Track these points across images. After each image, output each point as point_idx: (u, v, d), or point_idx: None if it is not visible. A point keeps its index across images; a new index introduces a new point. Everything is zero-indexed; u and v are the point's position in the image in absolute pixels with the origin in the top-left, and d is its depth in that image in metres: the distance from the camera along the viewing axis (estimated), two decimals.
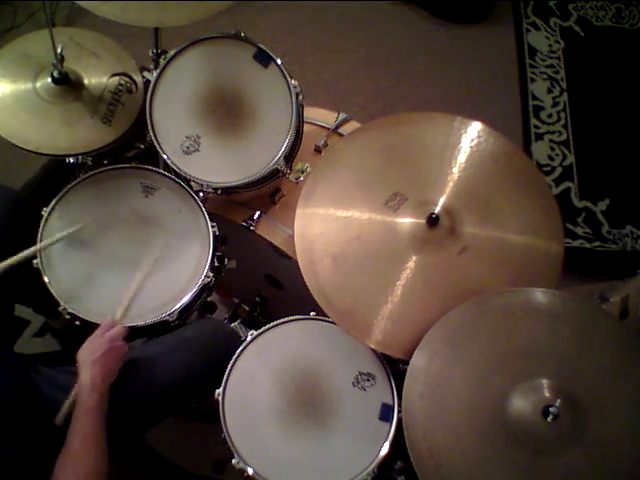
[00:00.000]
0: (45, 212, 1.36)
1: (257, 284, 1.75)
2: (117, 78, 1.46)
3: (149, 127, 1.38)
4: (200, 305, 1.42)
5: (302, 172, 1.47)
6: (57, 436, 1.08)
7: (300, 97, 1.39)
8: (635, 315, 1.43)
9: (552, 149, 2.43)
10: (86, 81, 1.45)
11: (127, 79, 1.46)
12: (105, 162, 1.46)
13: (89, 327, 1.29)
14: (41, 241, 1.34)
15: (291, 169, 1.45)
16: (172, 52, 1.40)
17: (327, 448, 1.20)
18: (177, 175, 1.41)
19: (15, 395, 1.16)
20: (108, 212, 1.40)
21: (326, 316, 1.21)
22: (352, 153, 1.32)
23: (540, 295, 1.14)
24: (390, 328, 1.17)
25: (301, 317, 1.29)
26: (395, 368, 1.25)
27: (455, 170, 1.27)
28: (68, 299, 1.31)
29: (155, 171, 1.43)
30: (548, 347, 1.10)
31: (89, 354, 1.15)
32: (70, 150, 1.40)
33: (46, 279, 1.32)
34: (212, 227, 1.39)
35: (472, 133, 1.29)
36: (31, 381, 1.24)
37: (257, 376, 1.25)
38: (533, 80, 2.57)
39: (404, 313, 1.17)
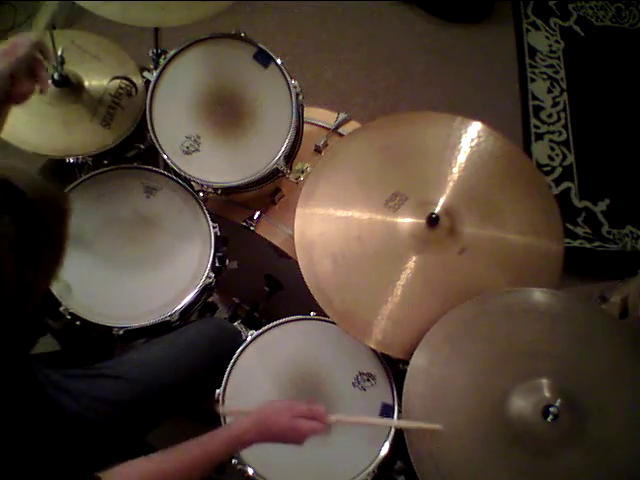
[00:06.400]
0: None
1: (257, 284, 1.75)
2: (118, 81, 1.45)
3: (149, 127, 1.38)
4: (201, 306, 1.42)
5: (302, 172, 1.47)
6: (61, 442, 1.07)
7: (300, 97, 1.39)
8: (635, 315, 1.43)
9: (552, 149, 2.43)
10: (86, 83, 1.44)
11: (127, 82, 1.46)
12: (105, 162, 1.45)
13: (89, 327, 1.29)
14: None
15: (291, 169, 1.45)
16: (172, 52, 1.40)
17: (327, 448, 1.19)
18: (177, 175, 1.41)
19: (31, 399, 1.16)
20: (110, 212, 1.39)
21: (326, 316, 1.21)
22: (352, 153, 1.32)
23: (540, 295, 1.15)
24: (390, 328, 1.17)
25: (301, 317, 1.29)
26: (395, 368, 1.25)
27: (455, 170, 1.27)
28: (69, 299, 1.31)
29: (157, 172, 1.43)
30: (548, 347, 1.10)
31: (273, 413, 1.01)
32: (68, 152, 1.40)
33: None
34: (213, 228, 1.39)
35: (472, 133, 1.29)
36: (39, 384, 1.23)
37: (257, 376, 1.25)
38: (533, 80, 2.57)
39: (404, 313, 1.17)
